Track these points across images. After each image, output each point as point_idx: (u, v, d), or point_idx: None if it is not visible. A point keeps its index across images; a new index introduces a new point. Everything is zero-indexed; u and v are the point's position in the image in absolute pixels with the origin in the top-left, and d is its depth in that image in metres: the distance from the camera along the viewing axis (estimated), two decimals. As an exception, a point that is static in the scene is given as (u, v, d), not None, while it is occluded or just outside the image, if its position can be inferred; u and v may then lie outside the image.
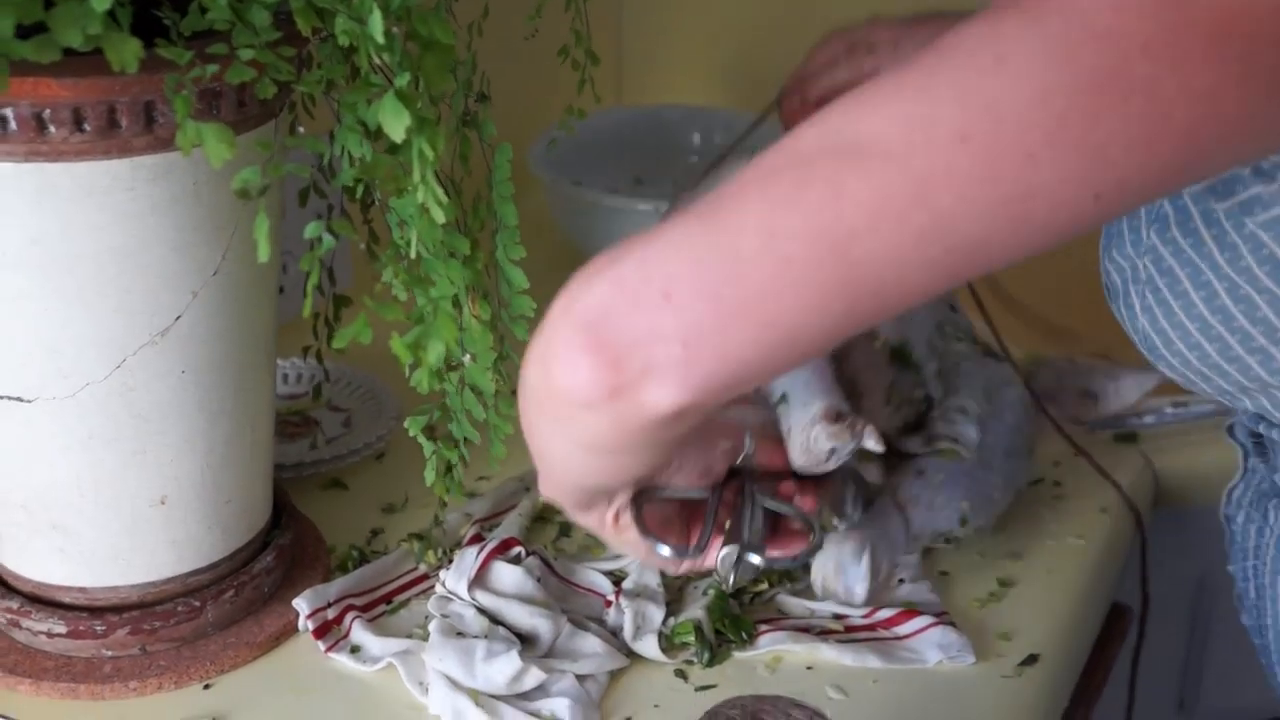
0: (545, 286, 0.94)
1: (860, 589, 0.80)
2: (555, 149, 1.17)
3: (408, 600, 0.84)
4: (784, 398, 0.78)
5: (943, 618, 0.82)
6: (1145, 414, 1.03)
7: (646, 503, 0.66)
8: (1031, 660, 0.81)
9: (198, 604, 0.78)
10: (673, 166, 1.29)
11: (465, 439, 0.74)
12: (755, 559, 0.69)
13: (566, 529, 0.90)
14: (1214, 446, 1.02)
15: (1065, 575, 0.88)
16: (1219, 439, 1.03)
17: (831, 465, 0.74)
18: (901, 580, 0.86)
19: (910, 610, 0.83)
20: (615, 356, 0.49)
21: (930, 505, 0.84)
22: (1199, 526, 1.05)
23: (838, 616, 0.83)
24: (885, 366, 0.85)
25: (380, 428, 0.96)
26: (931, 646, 0.80)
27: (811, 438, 0.73)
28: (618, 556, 0.83)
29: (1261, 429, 0.75)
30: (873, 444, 0.73)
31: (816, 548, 0.72)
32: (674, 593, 0.83)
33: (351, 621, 0.81)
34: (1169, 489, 1.01)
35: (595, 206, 1.15)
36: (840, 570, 0.80)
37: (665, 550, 0.67)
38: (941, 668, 0.80)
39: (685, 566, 0.68)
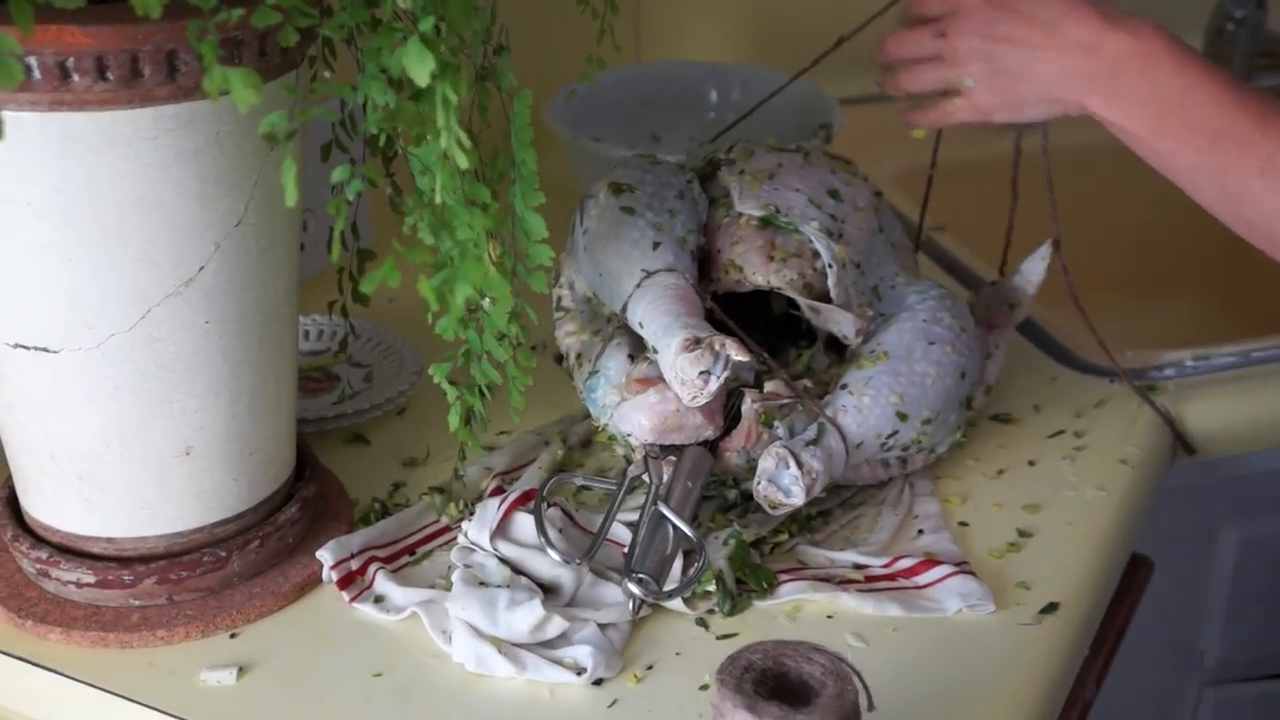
0: (564, 243, 0.94)
1: (797, 489, 0.81)
2: (574, 104, 1.17)
3: (430, 551, 0.84)
4: (654, 349, 0.83)
5: (963, 567, 0.83)
6: (1165, 366, 1.03)
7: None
8: (1051, 609, 0.81)
9: (224, 554, 0.79)
10: (690, 123, 1.28)
11: (488, 384, 0.74)
12: (635, 589, 0.78)
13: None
14: (1234, 398, 1.02)
15: (1085, 526, 0.88)
16: (1239, 390, 1.03)
17: (714, 386, 0.80)
18: (921, 531, 0.87)
19: (931, 560, 0.83)
20: None
21: (859, 409, 0.85)
22: (1217, 478, 1.05)
23: (858, 566, 0.84)
24: (755, 233, 0.89)
25: (401, 383, 0.97)
26: (952, 595, 0.81)
27: (679, 369, 0.80)
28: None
29: None
30: (735, 354, 0.79)
31: (703, 568, 0.79)
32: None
33: (375, 572, 0.81)
34: (1188, 441, 1.00)
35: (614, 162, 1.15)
36: (772, 481, 0.81)
37: (556, 555, 0.79)
38: (961, 616, 0.80)
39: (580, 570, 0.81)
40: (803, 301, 0.88)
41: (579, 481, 0.86)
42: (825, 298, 0.89)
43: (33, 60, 0.64)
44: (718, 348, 0.79)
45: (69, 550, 0.78)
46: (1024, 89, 0.87)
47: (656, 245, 0.87)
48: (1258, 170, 0.78)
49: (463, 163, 0.62)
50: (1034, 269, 0.99)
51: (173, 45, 0.65)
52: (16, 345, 0.72)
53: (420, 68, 0.59)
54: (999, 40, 0.87)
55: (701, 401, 0.81)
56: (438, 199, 0.64)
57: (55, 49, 0.64)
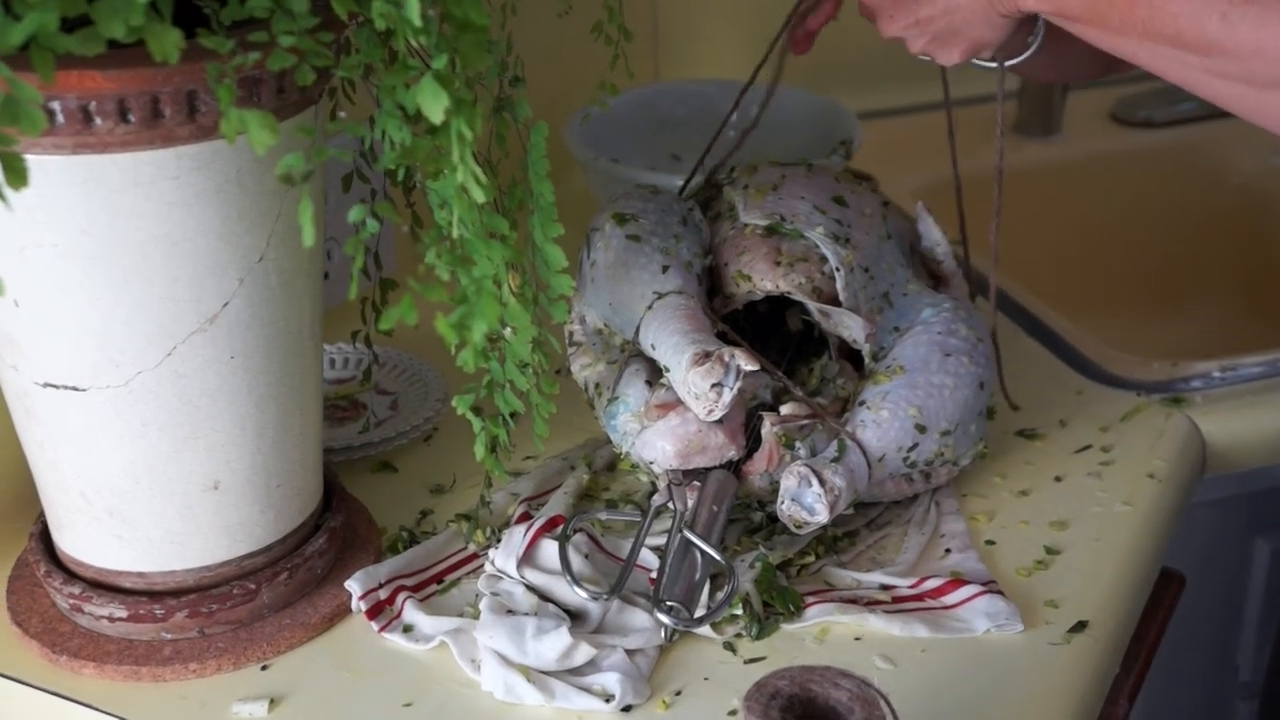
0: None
1: (821, 507, 0.81)
2: (591, 126, 1.17)
3: (458, 579, 0.85)
4: (666, 369, 0.83)
5: (990, 586, 0.82)
6: (1193, 378, 1.03)
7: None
8: (1080, 627, 0.81)
9: (253, 586, 0.79)
10: (709, 141, 1.28)
11: (511, 412, 0.75)
12: (665, 619, 0.78)
13: (612, 505, 0.91)
14: (1261, 409, 1.02)
15: (1113, 542, 0.88)
16: (1266, 401, 1.02)
17: (727, 398, 0.80)
18: (948, 550, 0.87)
19: (958, 580, 0.83)
20: None
21: (878, 423, 0.85)
22: (1248, 490, 1.05)
23: (885, 587, 0.84)
24: (760, 242, 0.91)
25: (427, 410, 0.97)
26: (979, 615, 0.80)
27: (691, 384, 0.80)
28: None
29: None
30: (745, 364, 0.80)
31: (733, 592, 0.79)
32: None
33: (403, 601, 0.82)
34: (1216, 453, 1.00)
35: (633, 184, 1.15)
36: (795, 500, 0.82)
37: (582, 593, 0.79)
38: (989, 636, 0.80)
39: (606, 605, 0.81)
40: (812, 305, 0.88)
41: (602, 517, 0.86)
42: (835, 302, 0.89)
43: (56, 105, 0.65)
44: (727, 359, 0.80)
45: (101, 585, 0.79)
46: (969, 33, 0.88)
47: (665, 269, 0.88)
48: (1219, 15, 0.75)
49: (479, 197, 0.63)
50: (928, 231, 1.00)
51: (192, 86, 0.66)
52: (46, 384, 0.73)
53: (435, 105, 0.60)
54: (920, 23, 0.89)
55: (717, 415, 0.81)
56: (455, 233, 0.65)
57: (77, 93, 0.65)
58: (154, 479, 0.75)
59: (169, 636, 0.78)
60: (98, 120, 0.66)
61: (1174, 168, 1.46)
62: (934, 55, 0.91)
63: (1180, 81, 0.80)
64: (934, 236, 0.99)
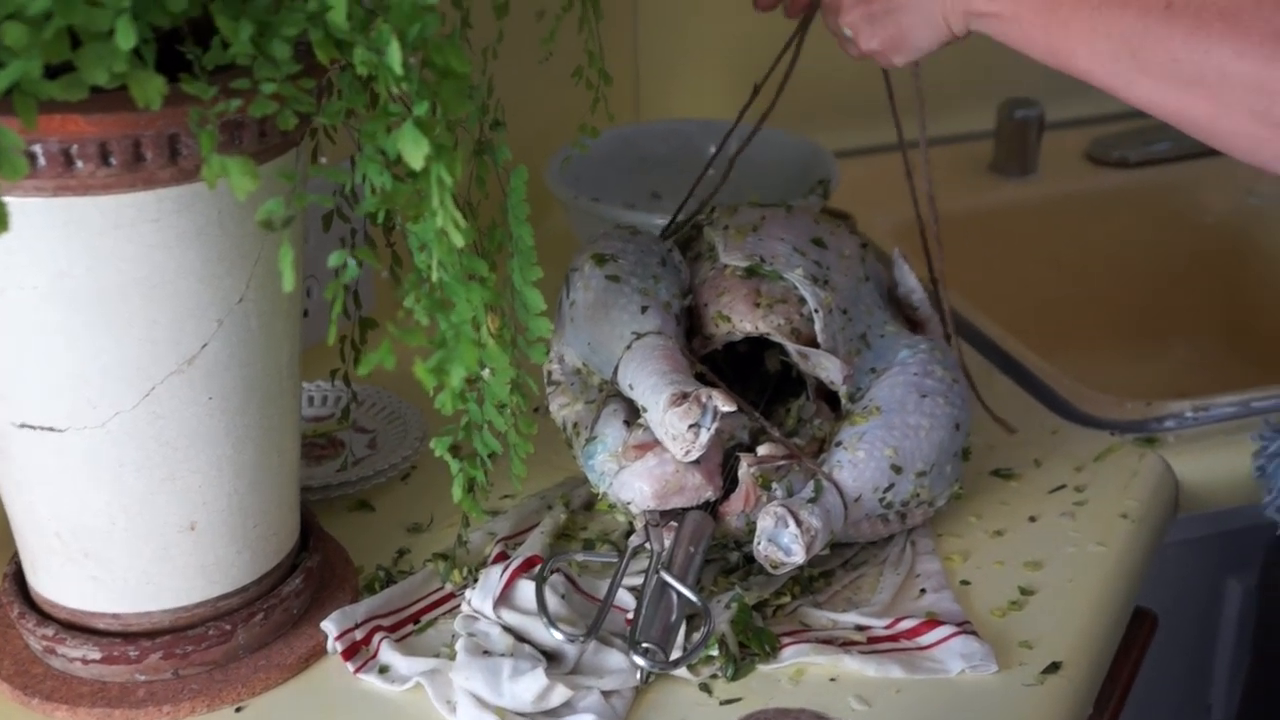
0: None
1: (797, 547, 0.81)
2: (572, 166, 1.18)
3: (434, 619, 0.85)
4: (644, 409, 0.84)
5: (965, 627, 0.83)
6: (1166, 418, 1.04)
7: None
8: (1054, 668, 0.81)
9: (228, 627, 0.79)
10: (690, 180, 1.29)
11: (489, 453, 0.75)
12: (641, 661, 0.78)
13: (590, 545, 0.91)
14: (1234, 449, 1.03)
15: (1087, 582, 0.88)
16: (1239, 441, 1.03)
17: (705, 439, 0.80)
18: (924, 590, 0.87)
19: (933, 620, 0.83)
20: None
21: (854, 464, 0.86)
22: (1219, 530, 1.05)
23: (860, 628, 0.84)
24: (740, 283, 0.91)
25: (405, 448, 0.97)
26: (954, 656, 0.81)
27: (668, 424, 0.80)
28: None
29: None
30: (722, 405, 0.80)
31: (709, 633, 0.80)
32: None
33: (379, 642, 0.82)
34: (1189, 493, 1.01)
35: (614, 222, 1.16)
36: (772, 540, 0.82)
37: (558, 634, 0.79)
38: (964, 677, 0.80)
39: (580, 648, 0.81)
40: (790, 346, 0.89)
41: (579, 557, 0.86)
42: (814, 344, 0.90)
43: (37, 148, 0.65)
44: (704, 400, 0.80)
45: (75, 626, 0.78)
46: (903, 21, 0.86)
47: (644, 309, 0.88)
48: (1163, 5, 0.75)
49: (458, 241, 0.63)
50: (904, 278, 1.00)
51: (174, 129, 0.67)
52: (23, 425, 0.73)
53: (415, 151, 0.60)
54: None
55: (695, 455, 0.81)
56: (434, 276, 0.65)
57: (59, 137, 0.65)
58: (130, 520, 0.75)
59: (143, 678, 0.78)
60: (79, 163, 0.66)
61: (1149, 207, 1.47)
62: (856, 35, 0.89)
63: (1106, 81, 0.79)
64: (909, 284, 1.00)
